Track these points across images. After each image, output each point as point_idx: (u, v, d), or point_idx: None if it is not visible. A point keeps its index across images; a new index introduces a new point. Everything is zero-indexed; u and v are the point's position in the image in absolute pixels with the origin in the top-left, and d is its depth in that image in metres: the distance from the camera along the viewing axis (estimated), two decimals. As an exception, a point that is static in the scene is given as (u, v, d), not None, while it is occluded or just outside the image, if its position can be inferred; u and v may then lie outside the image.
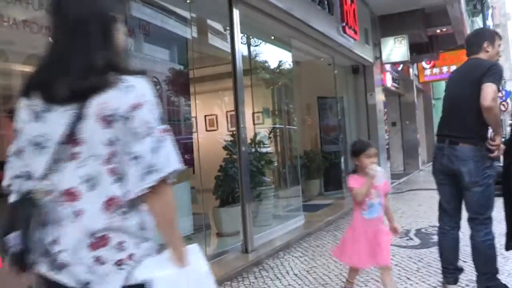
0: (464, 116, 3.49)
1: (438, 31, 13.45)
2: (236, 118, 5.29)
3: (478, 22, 28.80)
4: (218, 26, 6.71)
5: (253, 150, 6.71)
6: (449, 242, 3.76)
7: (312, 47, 8.14)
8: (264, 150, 6.96)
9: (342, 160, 10.28)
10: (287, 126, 8.23)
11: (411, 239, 5.88)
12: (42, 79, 1.44)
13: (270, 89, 8.35)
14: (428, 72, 16.97)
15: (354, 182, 3.37)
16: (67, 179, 1.39)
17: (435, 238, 5.88)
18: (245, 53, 7.42)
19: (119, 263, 1.37)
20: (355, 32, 8.68)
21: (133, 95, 1.39)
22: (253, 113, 7.31)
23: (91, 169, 1.38)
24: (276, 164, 7.20)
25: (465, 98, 3.46)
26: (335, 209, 8.19)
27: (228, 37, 5.51)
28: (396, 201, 9.37)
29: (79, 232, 1.36)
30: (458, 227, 3.78)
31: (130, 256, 1.40)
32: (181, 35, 5.86)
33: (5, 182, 1.50)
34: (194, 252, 1.51)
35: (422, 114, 19.27)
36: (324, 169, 9.87)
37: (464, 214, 3.68)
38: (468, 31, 12.31)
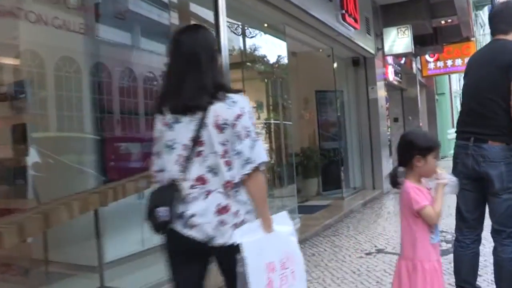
0: (492, 109, 2.89)
1: (443, 22, 12.84)
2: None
3: (482, 16, 28.27)
4: (202, 13, 6.11)
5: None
6: (469, 258, 3.18)
7: (309, 36, 7.54)
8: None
9: (342, 157, 9.71)
10: (282, 122, 7.64)
11: (416, 246, 5.30)
12: (170, 99, 1.99)
13: (263, 82, 7.78)
14: (431, 65, 16.36)
15: (421, 196, 2.36)
16: (197, 170, 1.93)
17: (443, 245, 5.35)
18: (235, 43, 6.85)
19: (235, 225, 1.91)
20: (356, 21, 8.08)
21: (237, 108, 1.92)
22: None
23: (212, 162, 1.92)
24: (268, 162, 6.61)
25: (493, 86, 2.87)
26: (334, 211, 7.60)
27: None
28: (396, 200, 8.81)
29: (208, 204, 1.91)
30: (479, 241, 3.21)
31: (242, 221, 1.93)
32: (160, 22, 5.27)
33: (152, 174, 2.09)
34: (281, 218, 2.04)
35: (425, 110, 18.67)
36: (322, 167, 9.28)
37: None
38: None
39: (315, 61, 9.23)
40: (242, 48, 7.19)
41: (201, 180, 1.94)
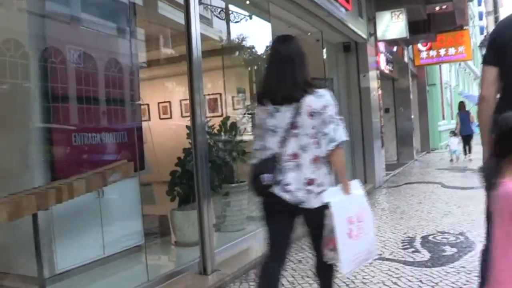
0: None
1: (437, 8, 12.24)
2: (191, 105, 4.02)
3: (472, 8, 27.79)
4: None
5: (223, 139, 5.49)
6: None
7: (296, 16, 6.84)
8: (238, 139, 5.73)
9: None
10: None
11: (417, 251, 4.67)
12: (270, 93, 2.59)
13: (246, 69, 7.09)
14: (424, 54, 15.76)
15: None
16: (292, 147, 2.52)
17: (448, 250, 4.75)
18: (215, 26, 6.15)
19: (318, 193, 2.49)
20: (347, 1, 7.41)
21: (323, 100, 2.53)
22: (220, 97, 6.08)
23: (304, 141, 2.51)
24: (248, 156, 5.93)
25: None
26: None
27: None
28: (393, 197, 8.19)
29: (299, 175, 2.50)
30: None
31: (324, 190, 2.50)
32: (121, 0, 4.57)
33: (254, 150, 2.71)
34: (355, 184, 2.66)
35: (416, 100, 18.11)
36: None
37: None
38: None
39: (304, 46, 8.51)
40: (222, 32, 6.50)
41: (294, 155, 2.52)
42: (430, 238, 5.11)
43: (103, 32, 4.46)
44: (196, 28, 4.04)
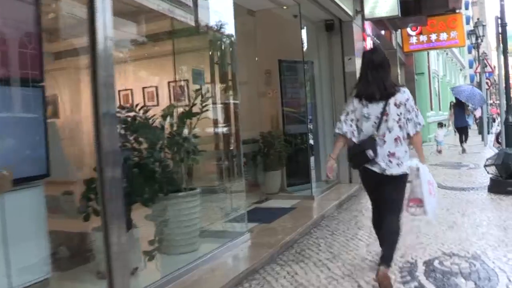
0: None
1: (429, -13, 11.05)
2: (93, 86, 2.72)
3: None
4: None
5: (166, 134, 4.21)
6: None
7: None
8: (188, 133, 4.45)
9: (312, 144, 7.84)
10: (231, 102, 5.66)
11: (419, 283, 3.46)
12: (366, 92, 3.47)
13: (204, 52, 5.75)
14: (414, 40, 14.60)
15: None
16: (382, 130, 3.41)
17: (462, 284, 3.55)
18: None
19: (397, 164, 3.40)
20: (330, -34, 6.15)
21: (406, 94, 3.47)
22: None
23: (391, 125, 3.40)
24: (203, 155, 4.61)
25: None
26: (299, 217, 5.72)
27: None
28: None
29: (384, 150, 3.39)
30: None
31: (401, 162, 3.41)
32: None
33: (343, 132, 3.52)
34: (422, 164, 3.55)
35: (404, 90, 16.93)
36: (287, 157, 7.39)
37: None
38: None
39: (279, 23, 7.26)
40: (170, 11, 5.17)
41: (383, 136, 3.44)
42: (436, 264, 3.90)
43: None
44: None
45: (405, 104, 3.43)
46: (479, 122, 19.99)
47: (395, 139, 3.43)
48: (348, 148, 3.58)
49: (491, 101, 39.51)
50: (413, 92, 17.73)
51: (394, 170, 3.41)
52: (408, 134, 3.46)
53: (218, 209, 5.30)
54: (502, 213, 5.67)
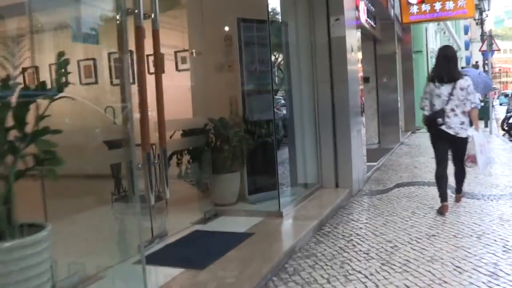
0: None
1: None
2: None
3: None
4: None
5: None
6: None
7: None
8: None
9: (283, 136, 5.74)
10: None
11: None
12: (438, 76, 4.90)
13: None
14: (414, 9, 12.42)
15: None
16: (450, 106, 4.81)
17: None
18: None
19: (465, 129, 4.87)
20: None
21: (468, 82, 4.86)
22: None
23: (456, 102, 4.80)
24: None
25: None
26: (256, 253, 3.63)
27: None
28: (382, 217, 4.85)
29: (456, 119, 4.82)
30: None
31: (467, 128, 4.88)
32: None
33: (423, 106, 5.04)
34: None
35: (400, 69, 14.87)
36: (249, 154, 5.29)
37: None
38: None
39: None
40: None
41: (452, 109, 4.78)
42: None
43: None
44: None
45: (467, 88, 4.82)
46: (482, 108, 18.04)
47: (462, 113, 4.84)
48: (426, 117, 5.02)
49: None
50: (409, 72, 15.75)
51: (463, 133, 4.86)
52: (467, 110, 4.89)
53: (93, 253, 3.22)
54: None
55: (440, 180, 5.02)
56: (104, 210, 3.68)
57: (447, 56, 4.92)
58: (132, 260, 3.44)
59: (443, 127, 4.81)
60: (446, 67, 4.88)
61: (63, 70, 2.32)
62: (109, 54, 4.00)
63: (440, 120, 4.79)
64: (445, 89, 4.82)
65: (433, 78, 4.93)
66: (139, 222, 3.16)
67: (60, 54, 2.33)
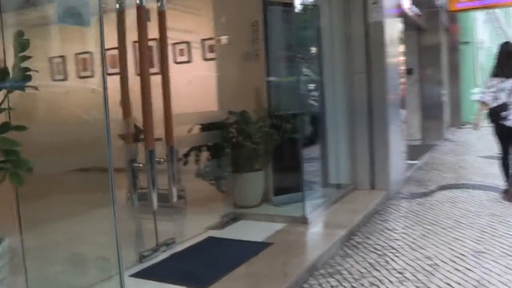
0: None
1: None
2: None
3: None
4: None
5: None
6: None
7: None
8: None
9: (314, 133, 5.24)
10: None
11: None
12: (501, 71, 5.11)
13: None
14: (462, -5, 11.57)
15: None
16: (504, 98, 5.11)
17: None
18: None
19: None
20: None
21: None
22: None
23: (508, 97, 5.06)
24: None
25: None
26: (270, 270, 3.14)
27: None
28: (422, 227, 4.25)
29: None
30: None
31: None
32: None
33: (486, 100, 5.17)
34: None
35: (446, 61, 13.98)
36: (275, 151, 4.81)
37: None
38: None
39: None
40: None
41: (510, 103, 4.97)
42: None
43: None
44: None
45: None
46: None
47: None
48: (490, 110, 5.14)
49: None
50: (456, 64, 14.89)
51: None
52: None
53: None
54: None
55: (505, 168, 5.36)
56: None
57: (509, 52, 5.18)
58: (130, 272, 3.03)
59: (502, 121, 5.06)
60: (508, 62, 5.13)
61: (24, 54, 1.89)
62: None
63: (504, 113, 5.00)
64: (508, 83, 5.05)
65: (497, 73, 5.15)
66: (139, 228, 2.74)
67: (20, 34, 1.90)
